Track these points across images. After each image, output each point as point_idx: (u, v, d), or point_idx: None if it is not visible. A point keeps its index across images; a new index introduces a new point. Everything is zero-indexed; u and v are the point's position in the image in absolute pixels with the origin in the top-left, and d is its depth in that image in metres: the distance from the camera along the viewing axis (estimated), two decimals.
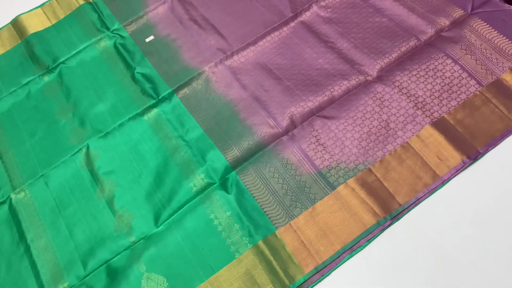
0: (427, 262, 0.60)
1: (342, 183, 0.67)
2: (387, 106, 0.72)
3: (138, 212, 0.71)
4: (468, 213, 0.62)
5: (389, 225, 0.63)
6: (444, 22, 0.79)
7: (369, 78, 0.76)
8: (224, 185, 0.71)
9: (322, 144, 0.71)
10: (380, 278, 0.60)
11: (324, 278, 0.61)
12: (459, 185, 0.65)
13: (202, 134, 0.76)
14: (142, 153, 0.76)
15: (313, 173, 0.69)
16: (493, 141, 0.66)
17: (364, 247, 0.63)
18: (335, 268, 0.62)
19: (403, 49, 0.78)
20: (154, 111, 0.80)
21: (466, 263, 0.59)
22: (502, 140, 0.66)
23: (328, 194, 0.67)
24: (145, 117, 0.80)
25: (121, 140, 0.78)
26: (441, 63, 0.75)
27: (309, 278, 0.61)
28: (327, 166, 0.69)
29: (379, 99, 0.73)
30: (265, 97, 0.78)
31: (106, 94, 0.84)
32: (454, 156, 0.66)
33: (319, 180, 0.68)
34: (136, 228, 0.69)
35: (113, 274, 0.66)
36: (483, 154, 0.66)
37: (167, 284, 0.64)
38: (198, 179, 0.72)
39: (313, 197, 0.67)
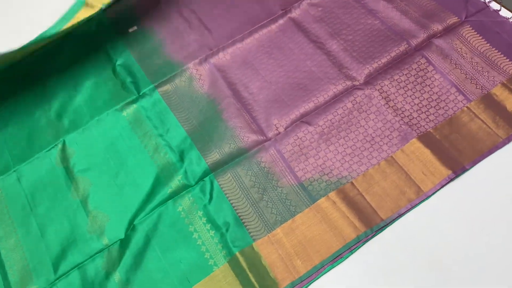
0: (408, 274, 0.60)
1: (323, 196, 0.65)
2: (373, 120, 0.71)
3: (113, 214, 0.69)
4: (451, 225, 0.62)
5: (371, 238, 0.62)
6: (437, 27, 0.77)
7: (356, 83, 0.74)
8: (200, 188, 0.69)
9: (305, 154, 0.69)
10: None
11: None
12: (442, 197, 0.64)
13: (183, 134, 0.74)
14: (120, 151, 0.74)
15: (295, 185, 0.67)
16: (480, 157, 0.65)
17: (343, 261, 0.61)
18: (313, 282, 0.61)
19: (392, 54, 0.76)
20: (134, 107, 0.77)
21: (450, 274, 0.59)
22: (489, 155, 0.66)
23: (309, 206, 0.65)
24: (124, 113, 0.77)
25: (98, 137, 0.75)
26: (430, 78, 0.73)
27: None
28: (309, 178, 0.67)
29: (365, 111, 0.72)
30: (249, 100, 0.76)
31: (84, 87, 0.81)
32: (440, 171, 0.65)
33: (300, 193, 0.66)
34: (109, 230, 0.67)
35: (88, 284, 0.64)
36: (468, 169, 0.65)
37: None
38: (175, 181, 0.70)
39: (293, 210, 0.65)
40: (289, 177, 0.68)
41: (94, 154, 0.74)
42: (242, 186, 0.68)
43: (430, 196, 0.63)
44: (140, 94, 0.78)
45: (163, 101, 0.77)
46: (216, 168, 0.70)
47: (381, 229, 0.62)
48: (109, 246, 0.66)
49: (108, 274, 0.64)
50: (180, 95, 0.78)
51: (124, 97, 0.78)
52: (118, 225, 0.68)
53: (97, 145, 0.75)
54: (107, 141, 0.75)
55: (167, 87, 0.79)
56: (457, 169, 0.64)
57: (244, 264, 0.62)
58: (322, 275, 0.61)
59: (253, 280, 0.61)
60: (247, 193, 0.67)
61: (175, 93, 0.78)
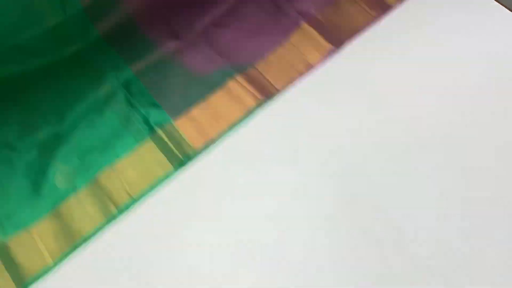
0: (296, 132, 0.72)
1: (231, 79, 0.77)
2: (269, 13, 0.83)
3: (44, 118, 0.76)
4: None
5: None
6: None
7: None
8: (126, 87, 0.78)
9: (214, 49, 0.81)
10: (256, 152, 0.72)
11: (208, 147, 0.72)
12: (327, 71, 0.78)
13: (105, 45, 0.82)
14: None
15: (207, 75, 0.78)
16: (356, 33, 0.80)
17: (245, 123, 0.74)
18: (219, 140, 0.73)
19: None
20: (59, 20, 0.83)
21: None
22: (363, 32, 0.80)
23: (219, 87, 0.76)
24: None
25: None
26: None
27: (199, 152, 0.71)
28: (218, 67, 0.79)
29: (261, 7, 0.84)
30: (165, 10, 0.84)
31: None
32: (324, 46, 0.79)
33: (211, 80, 0.78)
34: (43, 128, 0.75)
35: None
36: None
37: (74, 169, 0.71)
38: (103, 86, 0.78)
39: (206, 93, 0.76)
40: (202, 69, 0.78)
41: None
42: (162, 81, 0.78)
43: (315, 67, 0.77)
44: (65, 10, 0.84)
45: (85, 14, 0.81)
46: (139, 73, 0.79)
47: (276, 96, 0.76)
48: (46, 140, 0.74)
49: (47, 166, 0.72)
50: (102, 7, 0.82)
51: (51, 11, 0.82)
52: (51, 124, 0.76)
53: None
54: None
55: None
56: (338, 43, 0.79)
57: (164, 137, 0.73)
58: (223, 137, 0.73)
59: (173, 148, 0.72)
60: (166, 87, 0.77)
61: (96, 5, 0.81)
